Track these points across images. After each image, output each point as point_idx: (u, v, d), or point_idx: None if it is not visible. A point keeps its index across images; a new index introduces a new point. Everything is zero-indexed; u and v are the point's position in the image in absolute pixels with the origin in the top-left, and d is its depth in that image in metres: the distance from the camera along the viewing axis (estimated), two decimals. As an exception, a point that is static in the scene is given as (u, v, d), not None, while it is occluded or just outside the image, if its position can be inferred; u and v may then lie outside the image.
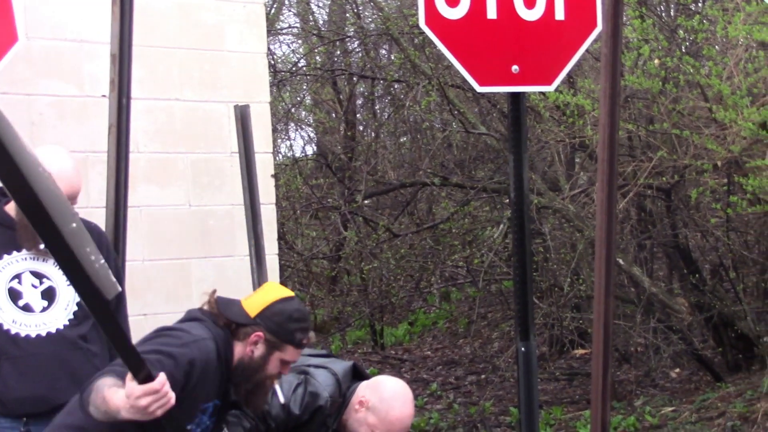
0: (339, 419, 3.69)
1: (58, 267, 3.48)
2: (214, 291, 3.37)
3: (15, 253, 3.71)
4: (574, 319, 8.25)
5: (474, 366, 9.75)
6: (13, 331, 3.65)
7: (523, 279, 4.08)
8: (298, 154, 12.11)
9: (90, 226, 3.74)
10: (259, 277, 4.39)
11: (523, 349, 4.09)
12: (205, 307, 3.31)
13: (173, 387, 2.93)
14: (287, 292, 3.34)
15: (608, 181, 2.89)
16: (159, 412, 2.87)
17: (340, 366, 3.81)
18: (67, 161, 3.71)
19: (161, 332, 3.22)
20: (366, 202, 10.08)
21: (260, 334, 3.22)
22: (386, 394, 3.66)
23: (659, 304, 7.82)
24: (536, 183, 7.74)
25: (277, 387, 3.46)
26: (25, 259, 3.73)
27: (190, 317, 3.30)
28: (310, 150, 12.56)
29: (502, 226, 8.48)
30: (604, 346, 2.99)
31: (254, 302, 3.28)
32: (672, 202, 8.02)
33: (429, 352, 10.83)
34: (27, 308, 3.68)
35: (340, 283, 10.80)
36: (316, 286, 10.63)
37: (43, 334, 3.68)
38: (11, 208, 3.70)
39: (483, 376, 9.20)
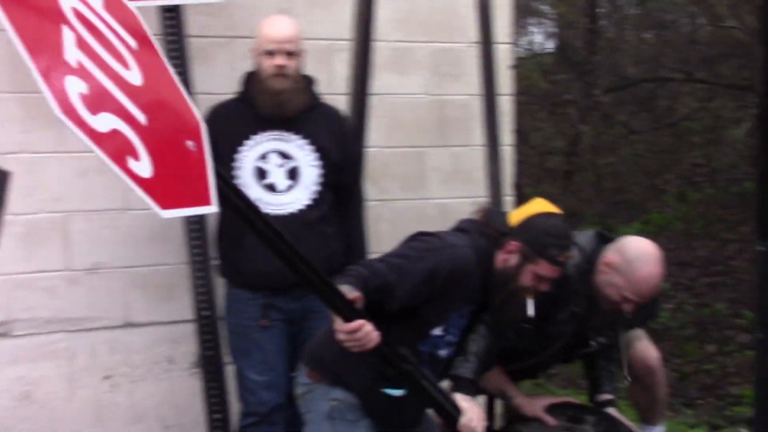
0: (589, 284, 3.86)
1: (301, 148, 4.12)
2: (492, 200, 3.85)
3: (261, 132, 4.13)
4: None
5: (708, 268, 9.77)
6: None
7: (766, 175, 4.16)
8: (538, 49, 12.19)
9: (333, 111, 4.31)
10: (493, 168, 4.76)
11: (761, 248, 4.20)
12: (476, 217, 3.58)
13: (413, 292, 3.25)
14: (552, 208, 3.52)
15: None
16: (355, 350, 3.11)
17: (583, 236, 3.99)
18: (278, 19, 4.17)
19: (416, 236, 3.47)
20: (605, 100, 10.20)
21: (516, 243, 3.43)
22: (632, 254, 3.79)
23: None
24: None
25: (529, 302, 3.52)
26: (272, 139, 4.14)
27: (458, 226, 3.57)
28: (550, 45, 12.48)
29: (746, 124, 8.23)
30: None
31: (518, 214, 3.51)
32: None
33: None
34: (272, 187, 4.11)
35: (575, 180, 10.59)
36: (549, 182, 10.55)
37: (286, 213, 4.07)
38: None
39: (717, 278, 9.22)
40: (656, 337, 7.76)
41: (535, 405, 4.10)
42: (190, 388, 4.59)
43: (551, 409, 4.10)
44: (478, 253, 3.42)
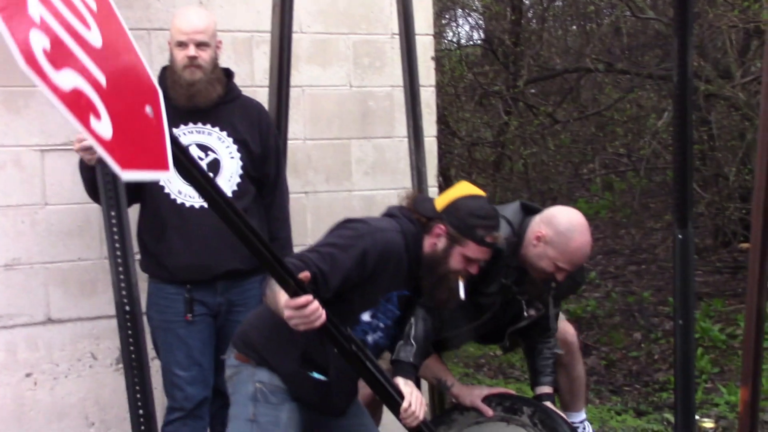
0: (518, 256, 4.01)
1: (221, 140, 4.14)
2: (417, 190, 3.71)
3: (182, 126, 4.12)
4: (738, 209, 8.15)
5: (635, 256, 10.00)
6: (178, 201, 4.10)
7: (683, 164, 4.15)
8: (464, 41, 12.24)
9: (252, 104, 4.30)
10: (417, 158, 4.82)
11: (680, 236, 4.22)
12: (404, 203, 3.60)
13: (345, 279, 3.27)
14: (477, 191, 3.57)
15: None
16: (301, 328, 3.07)
17: (508, 209, 4.12)
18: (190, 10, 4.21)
19: (343, 223, 3.47)
20: (532, 91, 10.31)
21: (442, 227, 3.47)
22: (562, 227, 3.95)
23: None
24: (705, 70, 7.61)
25: (461, 285, 3.55)
26: (192, 132, 4.14)
27: (386, 212, 3.60)
28: (477, 37, 12.57)
29: (667, 113, 8.28)
30: (762, 233, 3.05)
31: (443, 198, 3.55)
32: None
33: (589, 241, 10.73)
34: None
35: (502, 170, 10.57)
36: (477, 172, 10.53)
37: (207, 205, 3.62)
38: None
39: (643, 266, 9.45)
40: (584, 326, 7.97)
41: (472, 394, 4.15)
42: (113, 385, 4.58)
43: (488, 400, 4.17)
44: (406, 238, 3.46)
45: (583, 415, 4.65)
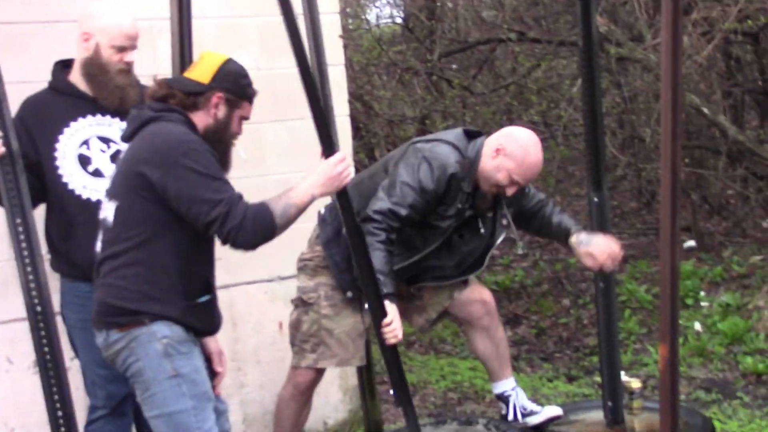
0: (472, 177, 4.25)
1: (122, 130, 3.85)
2: (155, 76, 3.66)
3: (81, 119, 4.04)
4: (656, 170, 8.19)
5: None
6: (84, 196, 4.02)
7: (593, 127, 4.18)
8: (384, 21, 12.27)
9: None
10: None
11: (595, 199, 4.27)
12: (153, 102, 3.56)
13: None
14: (224, 55, 3.65)
15: (673, 19, 2.80)
16: (347, 180, 3.70)
17: (451, 134, 4.37)
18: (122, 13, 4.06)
19: (177, 158, 3.40)
20: (454, 66, 10.35)
21: (220, 95, 3.54)
22: (522, 141, 4.27)
23: (748, 153, 7.99)
24: (616, 33, 7.76)
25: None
26: (92, 125, 4.06)
27: (148, 120, 3.50)
28: (396, 15, 12.46)
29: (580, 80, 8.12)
30: (671, 190, 2.99)
31: (203, 71, 3.58)
32: (760, 46, 8.23)
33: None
34: (97, 173, 4.03)
35: None
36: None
37: None
38: (76, 77, 4.05)
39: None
40: (513, 296, 8.01)
41: None
42: (32, 388, 4.44)
43: (443, 416, 4.44)
44: (185, 125, 3.52)
45: (513, 382, 4.66)
